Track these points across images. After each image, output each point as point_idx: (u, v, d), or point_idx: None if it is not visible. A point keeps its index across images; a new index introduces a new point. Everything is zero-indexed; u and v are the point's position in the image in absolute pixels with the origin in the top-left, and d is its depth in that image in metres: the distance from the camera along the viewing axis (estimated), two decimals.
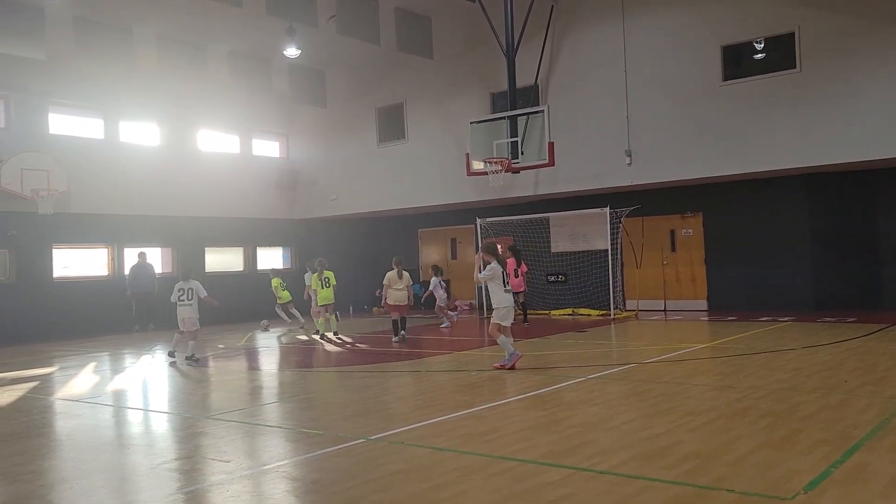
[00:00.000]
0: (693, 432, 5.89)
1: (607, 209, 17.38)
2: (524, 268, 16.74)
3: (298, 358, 12.71)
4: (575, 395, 7.79)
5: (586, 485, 4.63)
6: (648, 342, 12.54)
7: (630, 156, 16.87)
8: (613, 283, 17.49)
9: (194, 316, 12.08)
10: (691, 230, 18.38)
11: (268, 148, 23.41)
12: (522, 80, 18.03)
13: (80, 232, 18.03)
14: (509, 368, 9.46)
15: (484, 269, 9.79)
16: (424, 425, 6.59)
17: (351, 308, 22.59)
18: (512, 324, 9.97)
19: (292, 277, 22.07)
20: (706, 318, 16.09)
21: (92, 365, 12.19)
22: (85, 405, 8.50)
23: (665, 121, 16.53)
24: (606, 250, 17.75)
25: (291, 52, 18.23)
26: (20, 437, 6.91)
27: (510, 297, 9.86)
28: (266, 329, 17.31)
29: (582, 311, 18.26)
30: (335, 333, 14.87)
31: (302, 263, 22.96)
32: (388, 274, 14.00)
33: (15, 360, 13.09)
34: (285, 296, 17.93)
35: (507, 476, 4.88)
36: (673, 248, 18.63)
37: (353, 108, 22.09)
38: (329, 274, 14.94)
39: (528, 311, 17.00)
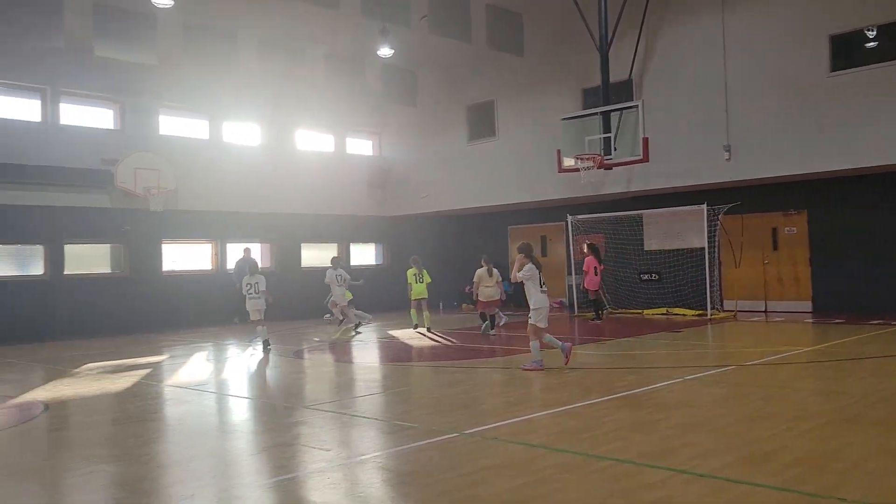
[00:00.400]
0: (799, 438, 5.66)
1: (704, 206, 16.85)
2: (601, 266, 17.09)
3: (390, 352, 12.94)
4: (671, 396, 7.62)
5: (686, 487, 4.54)
6: (748, 344, 12.10)
7: (729, 151, 16.29)
8: (710, 282, 16.94)
9: (262, 307, 13.06)
10: (795, 228, 17.58)
11: (361, 146, 23.91)
12: (616, 75, 17.71)
13: (187, 228, 18.96)
14: (539, 370, 9.36)
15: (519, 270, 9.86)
16: (517, 422, 6.60)
17: (441, 304, 22.79)
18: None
19: (383, 273, 22.48)
20: (811, 321, 15.37)
21: (197, 354, 12.81)
22: (192, 392, 8.95)
23: (767, 114, 15.87)
24: (703, 248, 17.21)
25: (384, 52, 18.56)
26: (136, 420, 7.35)
27: (546, 297, 9.91)
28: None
29: (676, 310, 17.78)
30: (428, 329, 15.29)
31: (393, 260, 23.40)
32: (479, 271, 14.50)
33: (129, 349, 13.91)
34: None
35: (603, 475, 4.84)
36: (775, 247, 17.87)
37: (444, 106, 22.28)
38: (422, 271, 15.75)
39: (603, 310, 17.21)
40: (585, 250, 17.59)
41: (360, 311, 16.82)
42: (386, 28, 17.83)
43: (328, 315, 18.19)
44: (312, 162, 21.79)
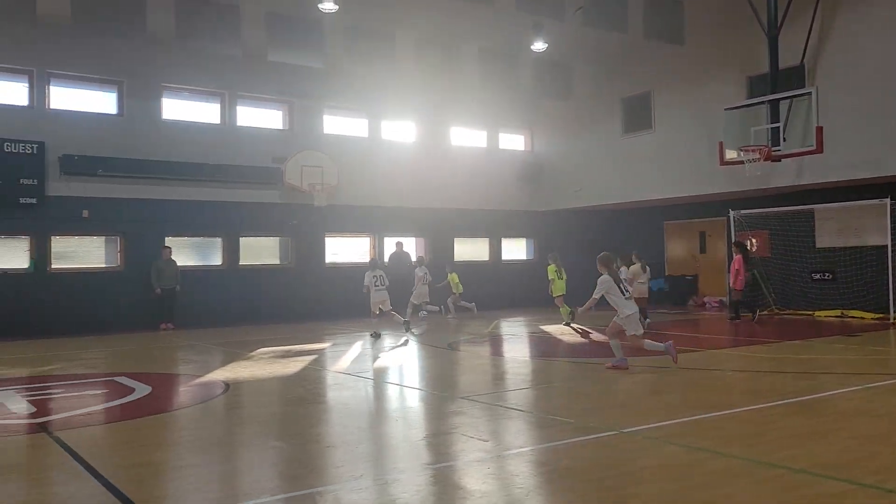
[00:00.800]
0: None
1: (888, 200, 15.43)
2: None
3: (542, 347, 12.92)
4: (850, 404, 7.07)
5: (872, 502, 4.21)
6: None
7: None
8: (894, 283, 15.49)
9: (387, 299, 13.99)
10: None
11: (513, 141, 24.00)
12: (786, 61, 16.60)
13: (347, 222, 19.92)
14: (623, 368, 9.27)
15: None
16: (678, 423, 6.39)
17: None
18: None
19: (534, 268, 22.45)
20: None
21: (358, 343, 13.43)
22: (354, 378, 9.41)
23: None
24: (885, 246, 15.77)
25: (538, 46, 18.51)
26: (306, 402, 7.85)
27: (633, 303, 9.61)
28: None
29: (853, 313, 16.44)
30: (567, 324, 15.41)
31: (543, 255, 23.28)
32: (633, 268, 14.15)
33: (296, 336, 14.82)
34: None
35: (775, 483, 4.59)
36: None
37: (597, 99, 21.87)
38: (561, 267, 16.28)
39: (753, 310, 16.39)
40: (734, 249, 16.81)
41: (464, 302, 18.10)
42: (540, 22, 17.76)
43: (423, 312, 18.35)
44: (465, 157, 22.14)
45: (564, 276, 16.18)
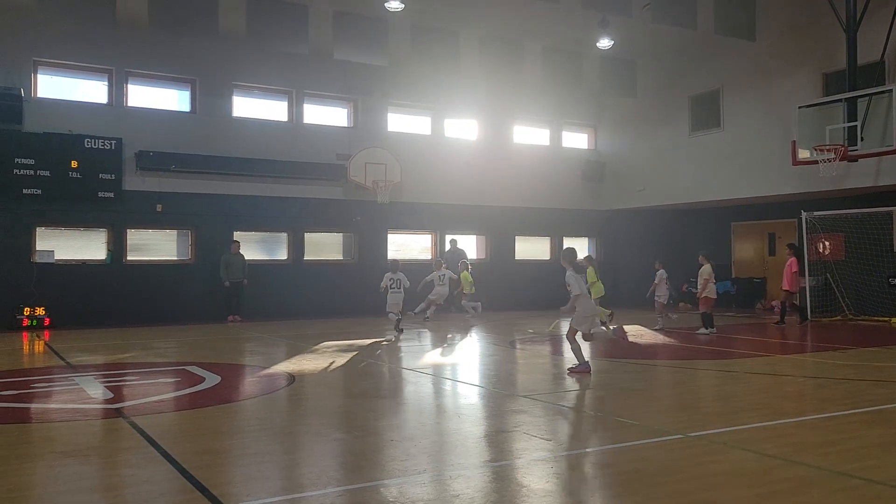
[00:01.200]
0: None
1: None
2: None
3: (603, 348, 12.75)
4: None
5: None
6: None
7: None
8: None
9: (401, 302, 14.16)
10: None
11: (576, 140, 23.75)
12: (864, 57, 15.97)
13: (409, 219, 20.07)
14: (584, 372, 8.99)
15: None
16: (747, 428, 6.23)
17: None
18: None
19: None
20: None
21: (418, 339, 13.52)
22: (415, 374, 9.49)
23: None
24: None
25: (604, 43, 18.28)
26: (369, 396, 7.95)
27: (592, 303, 9.41)
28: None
29: None
30: (603, 323, 14.82)
31: (606, 254, 22.99)
32: (708, 267, 14.11)
33: (358, 330, 15.04)
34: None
35: (852, 494, 4.43)
36: None
37: (664, 97, 21.46)
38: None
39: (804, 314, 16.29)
40: (787, 251, 16.42)
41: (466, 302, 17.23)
42: (606, 19, 17.54)
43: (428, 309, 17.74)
44: (528, 155, 22.03)
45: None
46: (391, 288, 14.12)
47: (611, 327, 14.70)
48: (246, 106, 18.69)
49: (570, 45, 20.43)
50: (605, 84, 21.96)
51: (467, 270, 17.65)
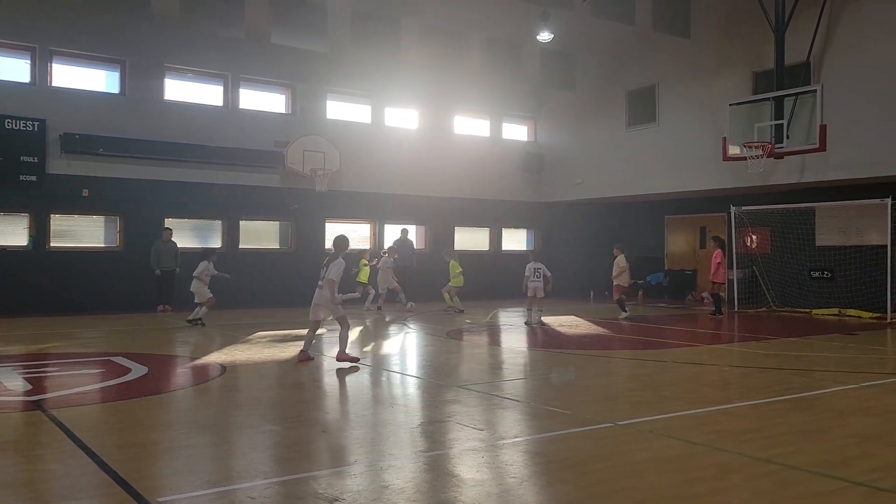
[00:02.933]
0: None
1: (889, 200, 15.39)
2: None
3: (539, 338, 12.91)
4: (846, 402, 7.08)
5: (865, 501, 4.22)
6: None
7: None
8: (893, 283, 15.48)
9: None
10: None
11: (516, 132, 23.92)
12: (791, 58, 16.52)
13: (348, 208, 19.86)
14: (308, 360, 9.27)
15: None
16: (673, 416, 6.40)
17: (592, 293, 22.44)
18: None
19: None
20: None
21: (354, 329, 13.38)
22: (351, 364, 9.40)
23: None
24: (885, 246, 15.75)
25: (544, 36, 18.40)
26: (303, 387, 7.85)
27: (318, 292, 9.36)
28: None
29: (851, 311, 16.44)
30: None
31: (545, 245, 23.28)
32: (622, 258, 15.75)
33: (294, 320, 14.81)
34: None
35: (769, 480, 4.59)
36: None
37: (603, 91, 21.78)
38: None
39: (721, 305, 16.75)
40: (712, 243, 17.17)
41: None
42: (547, 12, 17.67)
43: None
44: (468, 146, 22.07)
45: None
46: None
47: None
48: (179, 89, 18.14)
49: (511, 37, 20.52)
50: (546, 77, 22.15)
51: (455, 260, 17.37)
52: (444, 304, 17.12)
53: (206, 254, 14.08)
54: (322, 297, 9.36)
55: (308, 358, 9.33)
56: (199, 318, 13.58)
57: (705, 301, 20.58)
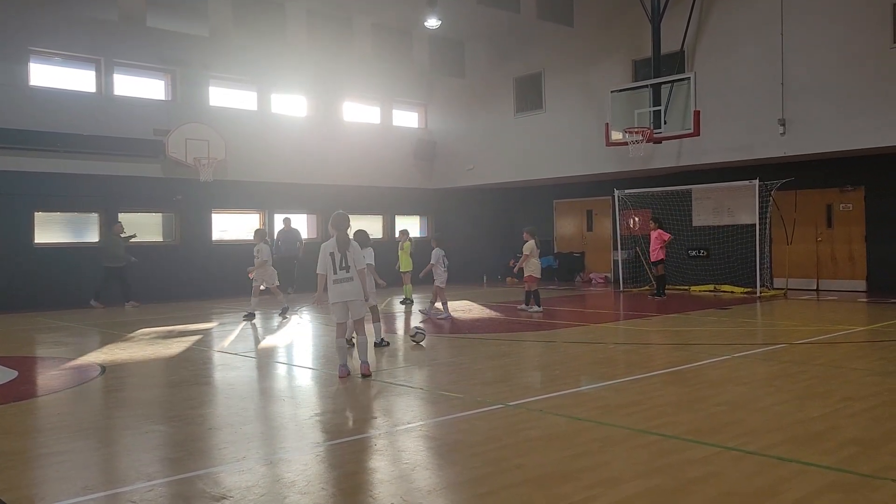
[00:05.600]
0: (852, 418, 5.55)
1: (756, 182, 16.45)
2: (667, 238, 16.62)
3: (432, 324, 13.00)
4: (719, 373, 7.52)
5: (734, 465, 4.50)
6: (799, 322, 11.86)
7: (784, 125, 15.85)
8: (761, 259, 16.59)
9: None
10: (851, 205, 17.09)
11: (407, 118, 23.90)
12: (667, 47, 17.32)
13: (236, 198, 19.27)
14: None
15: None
16: (562, 395, 6.61)
17: (485, 278, 22.82)
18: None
19: (427, 245, 22.55)
20: (865, 300, 14.98)
21: (244, 322, 13.06)
22: (240, 358, 9.16)
23: (825, 87, 15.36)
24: (754, 225, 16.84)
25: (432, 23, 18.44)
26: (189, 384, 7.56)
27: (341, 288, 7.63)
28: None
29: (725, 287, 17.50)
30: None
31: (437, 232, 23.42)
32: (531, 244, 13.79)
33: (179, 315, 14.27)
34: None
35: (649, 450, 4.82)
36: (829, 224, 17.42)
37: (491, 78, 22.09)
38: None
39: (665, 286, 16.59)
40: (652, 224, 16.83)
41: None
42: None
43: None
44: (358, 133, 21.86)
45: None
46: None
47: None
48: (46, 74, 16.97)
49: (399, 23, 20.43)
50: (435, 64, 22.21)
51: (409, 243, 16.06)
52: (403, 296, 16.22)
53: (260, 236, 13.67)
54: (356, 291, 7.67)
55: (348, 373, 7.67)
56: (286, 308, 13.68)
57: (594, 282, 21.36)
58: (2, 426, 5.94)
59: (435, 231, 23.11)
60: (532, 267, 13.77)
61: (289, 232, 19.27)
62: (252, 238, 14.22)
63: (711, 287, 17.83)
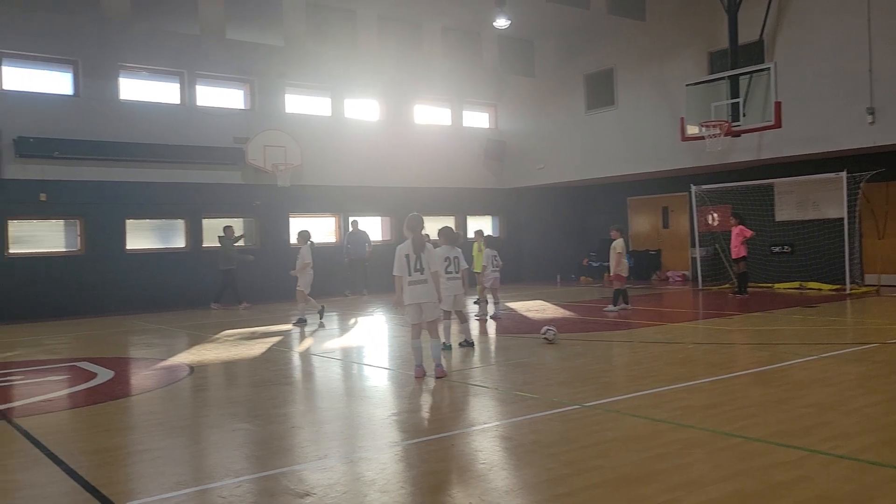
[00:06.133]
0: None
1: (844, 173, 15.76)
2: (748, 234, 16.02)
3: (507, 324, 13.00)
4: (806, 373, 7.26)
5: (823, 469, 4.35)
6: (892, 321, 11.30)
7: (873, 114, 15.13)
8: (850, 255, 15.88)
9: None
10: None
11: (477, 119, 23.95)
12: (745, 37, 16.81)
13: (312, 202, 19.74)
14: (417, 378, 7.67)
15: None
16: (640, 395, 6.51)
17: (559, 277, 22.64)
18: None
19: (499, 245, 22.49)
20: None
21: (326, 322, 13.34)
22: (319, 358, 9.40)
23: None
24: (841, 219, 16.14)
25: (501, 23, 18.43)
26: (271, 384, 7.81)
27: (415, 290, 7.62)
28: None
29: (811, 284, 16.84)
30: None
31: (510, 232, 23.41)
32: (620, 241, 13.59)
33: (261, 317, 14.73)
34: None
35: (732, 452, 4.71)
36: None
37: (561, 75, 21.91)
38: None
39: (747, 283, 16.07)
40: (733, 220, 16.25)
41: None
42: None
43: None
44: (430, 135, 22.05)
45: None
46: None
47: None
48: (134, 88, 17.82)
49: (468, 24, 20.51)
50: (504, 63, 22.20)
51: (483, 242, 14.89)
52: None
53: (304, 238, 13.31)
54: (430, 294, 7.70)
55: (425, 373, 7.72)
56: (318, 311, 13.06)
57: (670, 280, 20.90)
58: (100, 423, 6.29)
59: (501, 231, 23.11)
60: (621, 266, 13.58)
61: (357, 234, 19.48)
62: (296, 241, 13.95)
63: (797, 284, 17.18)
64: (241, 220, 19.14)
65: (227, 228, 17.19)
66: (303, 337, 11.73)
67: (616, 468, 4.50)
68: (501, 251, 14.09)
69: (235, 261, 16.91)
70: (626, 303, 13.74)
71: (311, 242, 13.25)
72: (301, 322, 13.15)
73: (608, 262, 14.79)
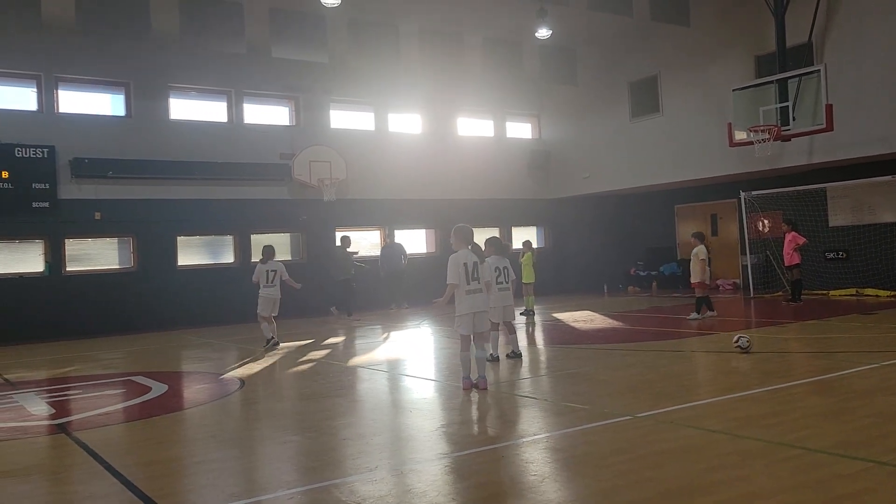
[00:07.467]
0: None
1: None
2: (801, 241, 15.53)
3: (556, 334, 12.90)
4: (867, 382, 7.03)
5: (889, 481, 4.19)
6: None
7: None
8: None
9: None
10: None
11: (520, 129, 23.91)
12: (793, 39, 16.44)
13: (357, 216, 19.91)
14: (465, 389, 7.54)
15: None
16: (694, 405, 6.38)
17: (606, 287, 22.39)
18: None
19: (544, 255, 22.37)
20: None
21: (369, 336, 13.45)
22: (369, 371, 9.44)
23: None
24: None
25: (543, 33, 18.40)
26: (321, 396, 7.88)
27: (473, 299, 7.50)
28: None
29: (868, 291, 16.32)
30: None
31: (555, 242, 23.27)
32: (702, 248, 13.22)
33: (310, 330, 14.89)
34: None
35: (791, 464, 4.57)
36: None
37: (605, 83, 21.74)
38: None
39: (801, 291, 15.62)
40: (785, 227, 15.83)
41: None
42: (544, 9, 17.67)
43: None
44: (473, 147, 22.08)
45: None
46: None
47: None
48: (183, 108, 18.28)
49: (509, 35, 20.54)
50: (547, 73, 22.14)
51: (531, 254, 15.36)
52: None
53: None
54: (485, 303, 7.67)
55: (473, 385, 7.59)
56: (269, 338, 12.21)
57: (721, 289, 20.48)
58: (155, 436, 6.41)
59: (547, 241, 22.97)
60: (705, 273, 13.27)
61: (392, 247, 19.40)
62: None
63: (853, 291, 16.67)
64: (287, 234, 19.43)
65: (345, 238, 17.55)
66: (349, 349, 11.81)
67: (671, 480, 4.41)
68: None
69: (352, 270, 17.26)
70: (711, 310, 13.40)
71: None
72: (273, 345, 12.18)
73: (683, 270, 14.47)
